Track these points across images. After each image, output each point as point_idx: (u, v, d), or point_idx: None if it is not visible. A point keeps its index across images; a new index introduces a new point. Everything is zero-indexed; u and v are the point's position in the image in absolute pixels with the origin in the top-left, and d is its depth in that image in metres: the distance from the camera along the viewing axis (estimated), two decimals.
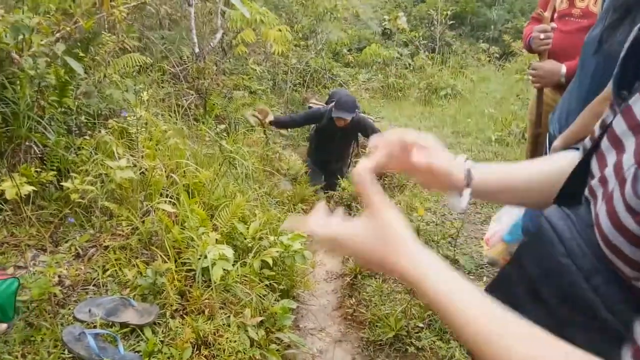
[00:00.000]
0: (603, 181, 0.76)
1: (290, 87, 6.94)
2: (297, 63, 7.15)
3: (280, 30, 4.84)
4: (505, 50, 10.27)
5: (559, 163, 0.91)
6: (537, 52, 2.19)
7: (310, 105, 4.93)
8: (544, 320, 0.82)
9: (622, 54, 0.78)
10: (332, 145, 4.51)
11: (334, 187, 4.37)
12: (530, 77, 2.22)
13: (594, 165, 0.82)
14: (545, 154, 1.98)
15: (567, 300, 0.78)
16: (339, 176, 4.43)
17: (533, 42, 2.16)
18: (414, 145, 0.75)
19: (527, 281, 0.86)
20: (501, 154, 4.79)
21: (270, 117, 4.38)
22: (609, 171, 0.75)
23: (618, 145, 0.75)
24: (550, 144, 1.79)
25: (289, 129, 5.53)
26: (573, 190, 0.91)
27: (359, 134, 4.52)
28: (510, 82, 7.85)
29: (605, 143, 0.79)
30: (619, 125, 0.75)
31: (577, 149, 1.61)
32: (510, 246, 1.67)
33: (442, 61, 10.07)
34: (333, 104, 4.23)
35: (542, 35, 2.10)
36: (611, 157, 0.76)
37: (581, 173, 0.89)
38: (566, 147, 1.64)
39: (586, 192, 0.84)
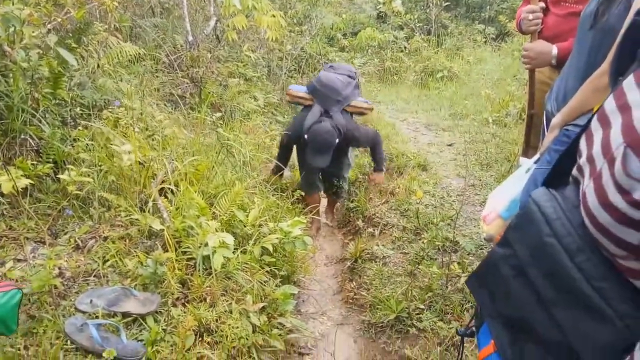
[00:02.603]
0: (590, 160, 0.76)
1: (285, 73, 6.89)
2: (292, 49, 7.08)
3: (274, 16, 4.79)
4: (501, 31, 10.15)
5: None
6: (527, 33, 2.17)
7: (289, 91, 3.71)
8: (529, 299, 0.83)
9: (618, 40, 0.77)
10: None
11: (334, 189, 3.83)
12: (522, 59, 2.21)
13: (583, 144, 0.82)
14: (543, 133, 1.96)
15: (553, 279, 0.78)
16: (337, 180, 3.78)
17: (522, 23, 2.14)
18: None
19: (515, 261, 0.86)
20: (499, 135, 4.77)
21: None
22: (597, 149, 0.74)
23: (605, 123, 0.75)
24: (548, 123, 1.78)
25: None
26: (564, 170, 0.91)
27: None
28: (506, 62, 7.80)
29: (594, 122, 0.79)
30: (609, 104, 0.75)
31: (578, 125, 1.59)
32: (507, 222, 1.67)
33: (437, 43, 9.97)
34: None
35: (530, 16, 2.08)
36: (598, 135, 0.76)
37: (571, 153, 0.89)
38: (565, 123, 1.63)
39: (574, 171, 0.84)
